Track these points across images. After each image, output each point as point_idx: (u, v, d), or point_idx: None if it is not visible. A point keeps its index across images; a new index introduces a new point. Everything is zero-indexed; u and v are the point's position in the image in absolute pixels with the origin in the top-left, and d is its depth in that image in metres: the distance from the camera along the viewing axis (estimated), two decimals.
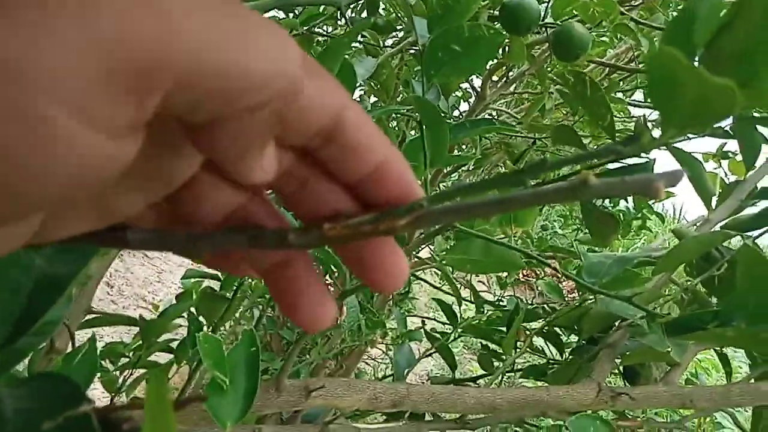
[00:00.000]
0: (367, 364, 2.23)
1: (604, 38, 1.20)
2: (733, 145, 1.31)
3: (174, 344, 0.91)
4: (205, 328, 0.82)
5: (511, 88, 1.28)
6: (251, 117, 0.15)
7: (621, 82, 1.26)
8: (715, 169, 1.47)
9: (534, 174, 0.20)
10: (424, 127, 0.46)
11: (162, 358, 1.00)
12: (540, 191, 0.19)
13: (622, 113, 1.48)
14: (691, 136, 0.84)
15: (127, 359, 0.97)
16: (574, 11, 0.76)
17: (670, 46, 0.15)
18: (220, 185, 0.20)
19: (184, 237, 0.22)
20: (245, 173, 0.17)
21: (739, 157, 1.32)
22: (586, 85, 0.36)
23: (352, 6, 1.02)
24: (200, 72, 0.13)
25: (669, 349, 0.49)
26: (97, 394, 1.02)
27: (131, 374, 1.04)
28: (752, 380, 0.52)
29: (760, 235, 0.55)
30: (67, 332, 0.71)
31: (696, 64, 0.18)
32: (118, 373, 1.00)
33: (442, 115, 0.46)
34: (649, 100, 1.52)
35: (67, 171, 0.13)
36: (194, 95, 0.14)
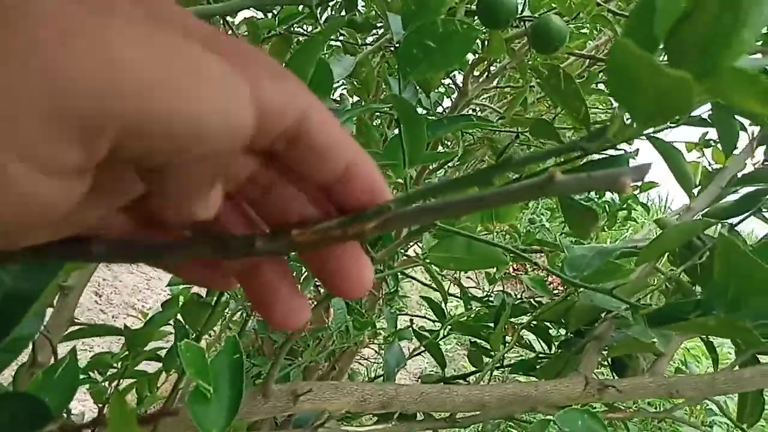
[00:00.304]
0: (360, 364, 2.23)
1: (584, 30, 1.20)
2: (715, 133, 1.32)
3: (163, 352, 0.90)
4: (191, 335, 0.81)
5: (494, 83, 1.28)
6: (199, 165, 0.15)
7: (601, 74, 1.26)
8: (699, 158, 1.48)
9: (501, 172, 0.19)
10: (401, 125, 0.46)
11: (153, 366, 0.99)
12: (507, 189, 0.19)
13: (604, 104, 1.49)
14: (671, 125, 0.84)
15: (116, 369, 0.96)
16: (551, 4, 0.76)
17: (627, 39, 0.14)
18: None
19: (149, 246, 0.21)
20: (187, 213, 0.17)
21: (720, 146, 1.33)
22: (560, 78, 0.35)
23: (331, 5, 1.02)
24: (148, 122, 0.13)
25: (654, 340, 0.50)
26: (89, 405, 1.01)
27: (119, 384, 1.03)
28: (736, 367, 0.52)
29: (740, 221, 0.56)
30: (50, 346, 0.70)
31: (658, 56, 0.18)
32: (107, 383, 0.99)
33: (420, 112, 0.46)
34: None
35: (11, 210, 0.13)
36: (142, 144, 0.14)
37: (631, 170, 0.19)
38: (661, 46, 0.18)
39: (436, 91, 1.34)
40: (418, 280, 1.38)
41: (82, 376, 0.93)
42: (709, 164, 1.38)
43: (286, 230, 0.21)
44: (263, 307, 0.22)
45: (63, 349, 0.64)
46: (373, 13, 1.02)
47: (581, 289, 0.53)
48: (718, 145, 1.44)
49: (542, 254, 1.08)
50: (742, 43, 0.17)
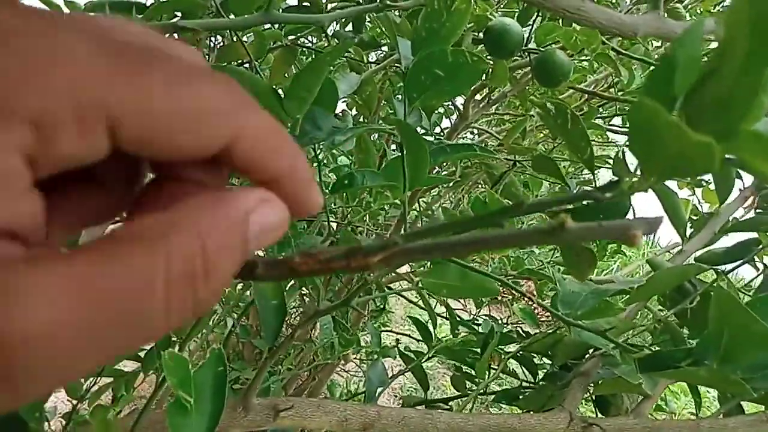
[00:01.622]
0: (340, 376, 2.21)
1: (583, 64, 1.22)
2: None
3: (142, 353, 0.89)
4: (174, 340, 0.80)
5: (492, 109, 1.29)
6: None
7: (600, 108, 1.28)
8: (689, 196, 1.50)
9: (512, 215, 0.19)
10: (404, 149, 0.46)
11: (130, 365, 0.98)
12: (518, 233, 0.19)
13: (600, 137, 1.50)
14: None
15: None
16: (557, 38, 0.77)
17: (650, 99, 0.14)
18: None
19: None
20: None
21: (712, 186, 1.34)
22: (566, 118, 0.36)
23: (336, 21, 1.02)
24: None
25: (641, 381, 0.49)
26: (61, 396, 0.99)
27: (95, 382, 1.02)
28: (721, 415, 0.52)
29: (733, 269, 0.56)
30: None
31: (676, 112, 0.18)
32: (82, 379, 0.97)
33: (423, 136, 0.46)
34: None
35: None
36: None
37: (643, 223, 0.19)
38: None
39: (436, 112, 1.35)
40: (406, 298, 1.37)
41: None
42: (699, 203, 1.39)
43: (288, 258, 0.21)
44: None
45: None
46: (378, 30, 1.02)
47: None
48: (710, 186, 1.46)
49: (530, 280, 1.08)
50: (760, 107, 0.17)
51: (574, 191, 0.66)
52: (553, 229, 0.19)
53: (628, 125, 0.16)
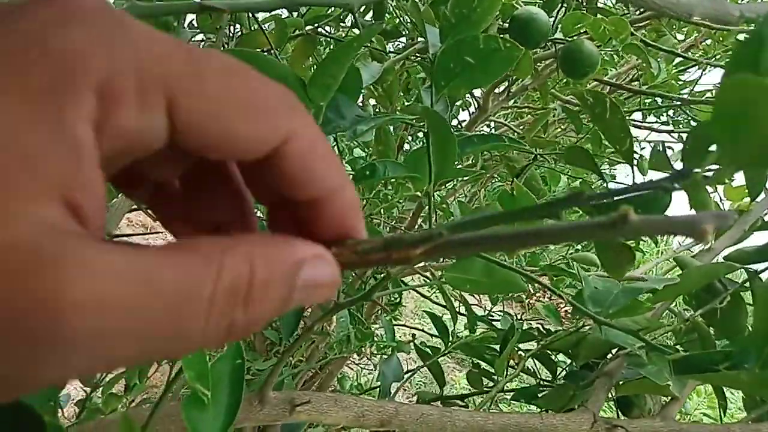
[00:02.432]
0: (350, 368, 2.21)
1: (604, 57, 1.19)
2: None
3: None
4: None
5: (511, 102, 1.27)
6: None
7: (626, 101, 1.25)
8: (711, 193, 1.47)
9: (569, 206, 0.18)
10: (429, 139, 0.44)
11: None
12: (577, 225, 0.17)
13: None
14: None
15: None
16: (584, 28, 0.75)
17: (748, 74, 0.13)
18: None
19: None
20: None
21: (735, 183, 1.31)
22: (605, 107, 0.34)
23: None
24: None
25: (668, 383, 0.48)
26: (76, 383, 0.99)
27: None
28: (749, 421, 0.51)
29: (765, 269, 0.54)
30: None
31: None
32: None
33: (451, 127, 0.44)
34: (649, 121, 1.51)
35: None
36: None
37: (713, 217, 0.17)
38: None
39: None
40: (419, 292, 1.36)
41: None
42: (721, 200, 1.36)
43: (325, 247, 0.19)
44: None
45: None
46: (398, 21, 1.01)
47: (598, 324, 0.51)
48: (732, 183, 1.42)
49: (545, 276, 1.06)
50: None
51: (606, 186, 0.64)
52: (614, 222, 0.17)
53: (714, 105, 0.14)
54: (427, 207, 0.52)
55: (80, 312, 0.13)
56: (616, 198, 0.19)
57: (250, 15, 0.76)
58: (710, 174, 0.16)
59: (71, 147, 0.14)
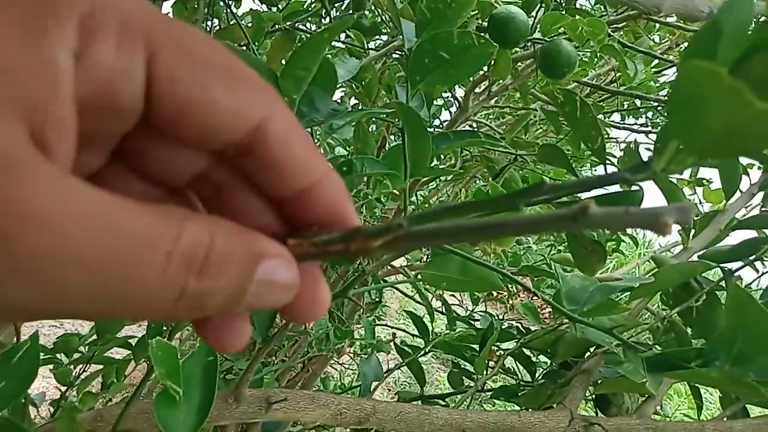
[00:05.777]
0: (333, 368, 2.20)
1: (583, 58, 1.20)
2: (706, 172, 1.32)
3: (133, 341, 0.87)
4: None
5: (492, 101, 1.27)
6: None
7: (601, 103, 1.26)
8: (690, 195, 1.48)
9: (530, 197, 0.18)
10: (405, 135, 0.44)
11: (121, 352, 0.96)
12: (536, 218, 0.17)
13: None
14: None
15: (81, 353, 0.92)
16: (562, 28, 0.75)
17: (702, 61, 0.12)
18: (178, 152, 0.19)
19: None
20: None
21: (713, 186, 1.33)
22: (576, 106, 0.34)
23: (337, 6, 1.00)
24: None
25: (645, 380, 0.48)
26: (53, 382, 0.97)
27: (85, 369, 1.00)
28: (724, 418, 0.51)
29: (740, 268, 0.54)
30: (12, 325, 0.67)
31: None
32: (71, 366, 0.95)
33: (425, 124, 0.44)
34: (628, 123, 1.53)
35: None
36: None
37: (674, 210, 0.17)
38: None
39: (435, 104, 1.33)
40: (402, 291, 1.35)
41: (48, 357, 0.90)
42: (700, 203, 1.37)
43: (281, 240, 0.19)
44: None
45: (28, 329, 0.61)
46: (379, 19, 1.00)
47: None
48: (710, 185, 1.44)
49: (526, 277, 1.07)
50: None
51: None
52: (574, 215, 0.17)
53: (669, 95, 0.14)
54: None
55: (40, 227, 0.12)
56: (580, 192, 0.18)
57: (226, 8, 0.75)
58: (671, 167, 0.16)
59: (48, 70, 0.13)
